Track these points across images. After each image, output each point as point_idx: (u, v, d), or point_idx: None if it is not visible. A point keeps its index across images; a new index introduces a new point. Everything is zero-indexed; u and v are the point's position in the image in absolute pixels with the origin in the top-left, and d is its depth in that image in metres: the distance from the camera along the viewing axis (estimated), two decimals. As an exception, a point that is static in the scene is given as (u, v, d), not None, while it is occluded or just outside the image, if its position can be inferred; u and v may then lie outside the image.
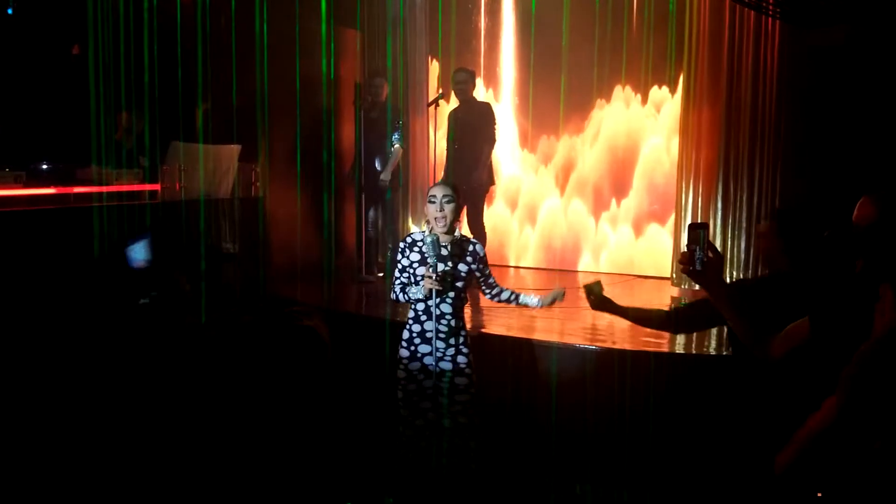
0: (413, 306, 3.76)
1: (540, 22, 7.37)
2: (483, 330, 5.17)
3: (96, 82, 5.73)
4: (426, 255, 3.66)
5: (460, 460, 3.75)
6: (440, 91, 7.63)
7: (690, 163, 6.60)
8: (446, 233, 3.75)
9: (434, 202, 3.72)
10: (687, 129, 6.64)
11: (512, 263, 8.15)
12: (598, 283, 3.28)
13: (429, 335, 3.70)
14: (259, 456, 2.12)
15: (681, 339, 5.15)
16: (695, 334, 5.14)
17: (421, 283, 3.65)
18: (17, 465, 2.39)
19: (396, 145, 7.11)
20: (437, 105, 7.04)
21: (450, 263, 3.71)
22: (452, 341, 3.74)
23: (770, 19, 6.04)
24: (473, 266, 3.80)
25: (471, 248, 3.82)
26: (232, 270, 6.25)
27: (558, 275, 7.48)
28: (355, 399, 4.76)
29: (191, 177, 6.18)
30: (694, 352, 4.94)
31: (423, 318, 3.73)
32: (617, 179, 7.66)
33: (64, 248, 4.88)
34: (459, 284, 3.74)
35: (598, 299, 3.27)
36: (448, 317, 3.72)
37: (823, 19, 5.46)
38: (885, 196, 2.48)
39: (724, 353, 4.46)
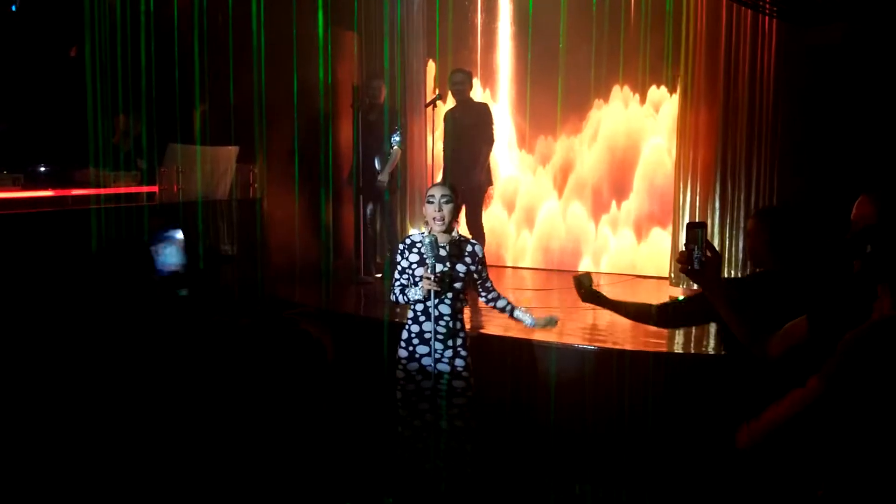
0: (412, 307, 3.76)
1: (537, 21, 7.37)
2: (482, 330, 5.17)
3: (94, 85, 5.73)
4: (424, 255, 3.66)
5: (457, 463, 3.75)
6: (437, 92, 7.63)
7: (688, 162, 6.61)
8: (444, 233, 3.75)
9: (432, 202, 3.72)
10: (684, 128, 6.65)
11: (509, 265, 8.13)
12: (588, 276, 3.30)
13: (427, 336, 3.70)
14: (260, 457, 2.12)
15: (680, 339, 5.15)
16: (694, 334, 5.14)
17: (420, 284, 3.65)
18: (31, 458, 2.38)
19: (396, 146, 7.11)
20: (435, 106, 7.04)
21: (448, 264, 3.71)
22: (451, 343, 3.73)
23: (767, 18, 6.05)
24: (472, 267, 3.79)
25: (470, 248, 3.81)
26: (230, 272, 6.25)
27: (557, 275, 7.47)
28: (355, 400, 4.76)
29: (188, 179, 6.18)
30: (693, 351, 4.94)
31: (422, 318, 3.72)
32: (617, 181, 7.61)
33: (62, 251, 4.87)
34: (458, 285, 3.73)
35: (588, 292, 3.27)
36: (446, 318, 3.72)
37: (820, 17, 5.46)
38: (884, 195, 2.49)
39: (723, 353, 4.46)
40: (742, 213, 6.29)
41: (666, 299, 6.36)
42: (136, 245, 2.70)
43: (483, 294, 3.91)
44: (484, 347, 4.63)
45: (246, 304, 5.94)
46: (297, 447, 2.17)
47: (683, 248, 2.53)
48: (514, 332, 5.21)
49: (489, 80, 8.12)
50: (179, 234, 2.76)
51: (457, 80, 6.94)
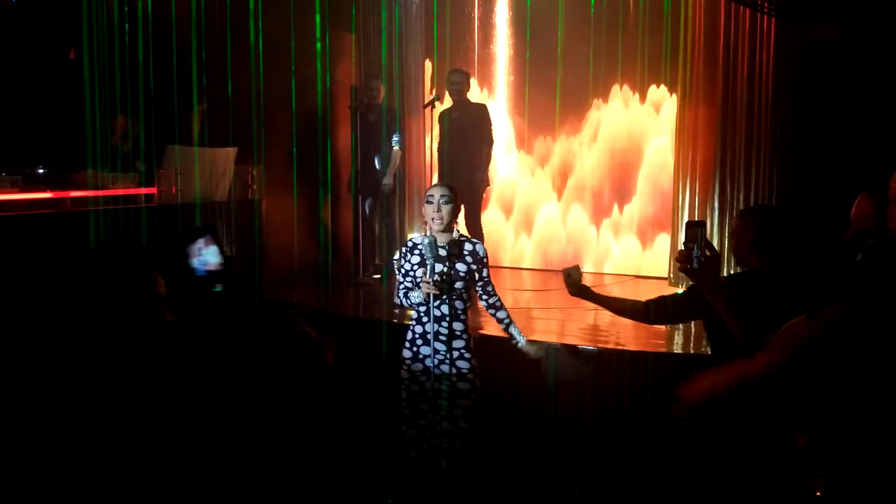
0: (416, 308, 3.76)
1: (535, 21, 7.38)
2: (482, 331, 5.16)
3: (92, 86, 5.72)
4: (424, 256, 3.66)
5: (460, 464, 3.74)
6: (434, 93, 7.63)
7: (687, 162, 6.61)
8: (444, 233, 3.74)
9: (432, 202, 3.71)
10: (683, 128, 6.65)
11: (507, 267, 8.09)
12: (577, 269, 3.29)
13: (429, 337, 3.69)
14: (260, 458, 2.12)
15: (679, 339, 5.15)
16: (694, 334, 5.14)
17: (420, 286, 3.65)
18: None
19: (396, 147, 7.10)
20: (433, 107, 7.03)
21: (447, 264, 3.70)
22: (453, 344, 3.72)
23: (765, 17, 6.05)
24: (473, 266, 3.78)
25: (470, 247, 3.80)
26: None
27: (556, 276, 7.44)
28: (354, 401, 4.75)
29: (187, 180, 6.17)
30: (692, 352, 4.93)
31: (425, 319, 3.72)
32: (618, 183, 7.56)
33: (60, 252, 4.86)
34: (459, 285, 3.72)
35: (577, 287, 3.27)
36: (448, 319, 3.71)
37: (818, 16, 5.46)
38: (883, 193, 2.48)
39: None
40: (741, 213, 6.28)
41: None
42: (136, 245, 2.69)
43: (484, 297, 3.88)
44: (484, 348, 4.62)
45: (244, 306, 5.92)
46: (298, 448, 2.16)
47: (682, 247, 2.52)
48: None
49: (487, 80, 8.12)
50: (213, 232, 2.75)
51: (454, 81, 6.93)
